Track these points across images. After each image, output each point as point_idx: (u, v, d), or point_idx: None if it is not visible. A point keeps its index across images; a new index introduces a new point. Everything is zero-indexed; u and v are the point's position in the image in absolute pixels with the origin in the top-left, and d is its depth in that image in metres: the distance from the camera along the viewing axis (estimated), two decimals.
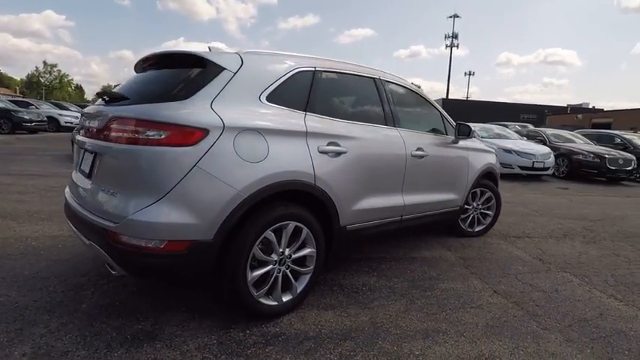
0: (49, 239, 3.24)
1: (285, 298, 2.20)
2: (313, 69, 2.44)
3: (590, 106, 47.93)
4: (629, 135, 12.48)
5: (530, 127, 16.16)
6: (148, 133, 1.76)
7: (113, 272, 1.93)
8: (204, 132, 1.82)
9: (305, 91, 2.36)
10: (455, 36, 44.27)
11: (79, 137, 2.39)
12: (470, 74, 51.19)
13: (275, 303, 2.16)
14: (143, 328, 2.01)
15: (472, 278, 2.98)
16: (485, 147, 4.17)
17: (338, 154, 2.37)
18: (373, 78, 2.92)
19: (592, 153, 9.86)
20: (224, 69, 2.05)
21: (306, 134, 2.24)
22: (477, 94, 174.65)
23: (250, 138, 1.98)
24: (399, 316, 2.31)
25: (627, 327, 2.36)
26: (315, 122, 2.32)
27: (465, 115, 24.86)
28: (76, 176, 2.35)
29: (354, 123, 2.59)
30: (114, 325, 2.02)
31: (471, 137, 3.69)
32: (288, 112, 2.23)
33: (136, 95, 2.06)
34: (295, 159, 2.15)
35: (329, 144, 2.34)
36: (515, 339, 2.13)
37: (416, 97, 3.38)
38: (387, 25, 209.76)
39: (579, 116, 40.32)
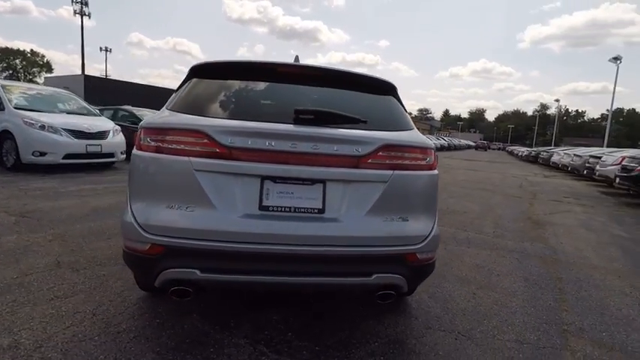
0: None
1: None
2: None
3: None
4: None
5: None
6: (427, 159, 2.05)
7: (388, 299, 1.99)
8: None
9: None
10: (85, 3, 35.11)
11: (244, 164, 1.77)
12: (107, 50, 47.83)
13: None
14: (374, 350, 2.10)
15: None
16: None
17: None
18: None
19: None
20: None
21: None
22: (112, 72, 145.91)
23: None
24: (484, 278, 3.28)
25: (518, 245, 4.35)
26: None
27: (107, 95, 20.76)
28: (254, 216, 1.77)
29: None
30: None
31: None
32: None
33: (371, 119, 2.05)
34: None
35: None
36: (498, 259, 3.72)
37: None
38: None
39: None
